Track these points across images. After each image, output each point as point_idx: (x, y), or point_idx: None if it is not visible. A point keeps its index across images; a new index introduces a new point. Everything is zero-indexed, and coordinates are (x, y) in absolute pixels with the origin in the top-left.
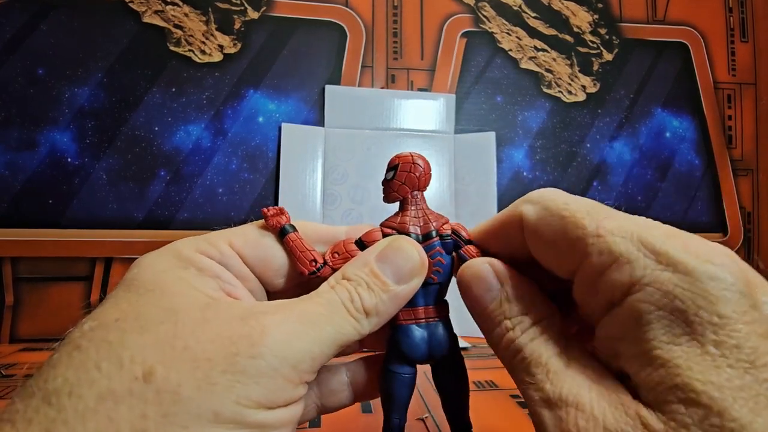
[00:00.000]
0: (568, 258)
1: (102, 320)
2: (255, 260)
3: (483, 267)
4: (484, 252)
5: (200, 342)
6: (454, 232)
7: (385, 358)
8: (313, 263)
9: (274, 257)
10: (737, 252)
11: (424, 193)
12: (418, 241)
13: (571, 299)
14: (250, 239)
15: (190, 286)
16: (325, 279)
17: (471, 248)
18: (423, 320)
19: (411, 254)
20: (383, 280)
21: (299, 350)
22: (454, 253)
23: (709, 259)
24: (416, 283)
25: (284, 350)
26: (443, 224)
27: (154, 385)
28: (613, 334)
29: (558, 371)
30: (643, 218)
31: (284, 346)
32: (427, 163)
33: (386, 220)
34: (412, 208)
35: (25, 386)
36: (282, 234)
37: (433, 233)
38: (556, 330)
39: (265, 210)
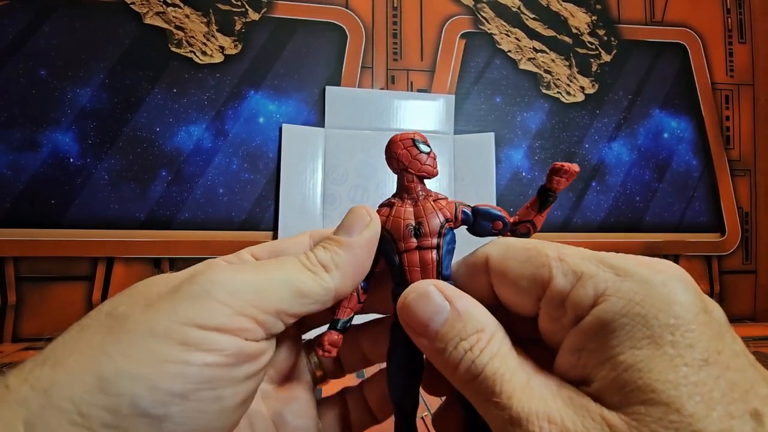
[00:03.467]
0: (532, 286)
1: None
2: None
3: (429, 288)
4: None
5: (158, 286)
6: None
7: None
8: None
9: None
10: (735, 252)
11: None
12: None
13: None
14: (270, 248)
15: None
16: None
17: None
18: None
19: (359, 211)
20: (336, 238)
21: (240, 281)
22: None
23: (660, 270)
24: (369, 234)
25: (222, 279)
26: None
27: (112, 316)
28: (579, 345)
29: (522, 387)
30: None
31: (222, 276)
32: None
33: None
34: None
35: None
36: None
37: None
38: (508, 345)
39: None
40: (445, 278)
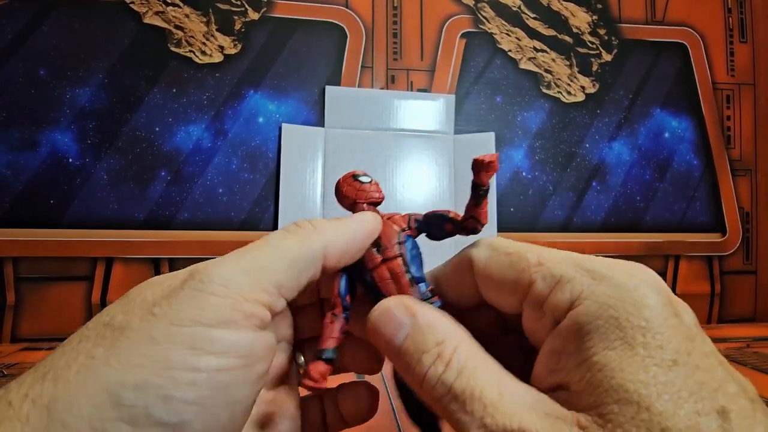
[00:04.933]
0: (515, 290)
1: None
2: None
3: (389, 304)
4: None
5: (154, 293)
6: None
7: None
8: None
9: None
10: (736, 252)
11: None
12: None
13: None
14: None
15: None
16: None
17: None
18: None
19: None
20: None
21: (230, 270)
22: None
23: (633, 274)
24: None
25: (213, 273)
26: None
27: (111, 326)
28: (557, 348)
29: (495, 402)
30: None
31: (213, 270)
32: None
33: None
34: None
35: None
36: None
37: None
38: (479, 356)
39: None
40: (419, 280)
